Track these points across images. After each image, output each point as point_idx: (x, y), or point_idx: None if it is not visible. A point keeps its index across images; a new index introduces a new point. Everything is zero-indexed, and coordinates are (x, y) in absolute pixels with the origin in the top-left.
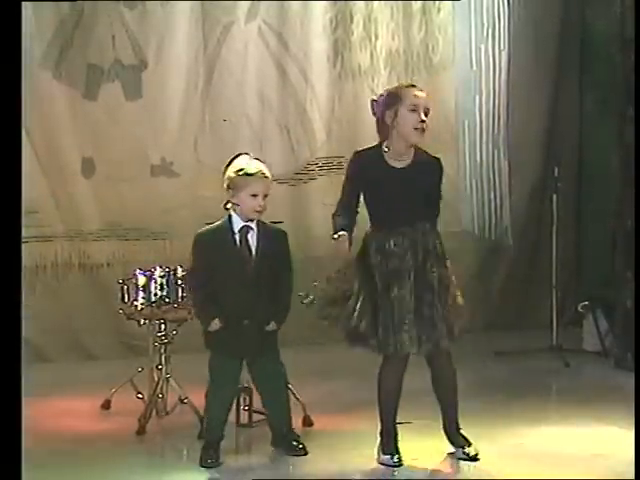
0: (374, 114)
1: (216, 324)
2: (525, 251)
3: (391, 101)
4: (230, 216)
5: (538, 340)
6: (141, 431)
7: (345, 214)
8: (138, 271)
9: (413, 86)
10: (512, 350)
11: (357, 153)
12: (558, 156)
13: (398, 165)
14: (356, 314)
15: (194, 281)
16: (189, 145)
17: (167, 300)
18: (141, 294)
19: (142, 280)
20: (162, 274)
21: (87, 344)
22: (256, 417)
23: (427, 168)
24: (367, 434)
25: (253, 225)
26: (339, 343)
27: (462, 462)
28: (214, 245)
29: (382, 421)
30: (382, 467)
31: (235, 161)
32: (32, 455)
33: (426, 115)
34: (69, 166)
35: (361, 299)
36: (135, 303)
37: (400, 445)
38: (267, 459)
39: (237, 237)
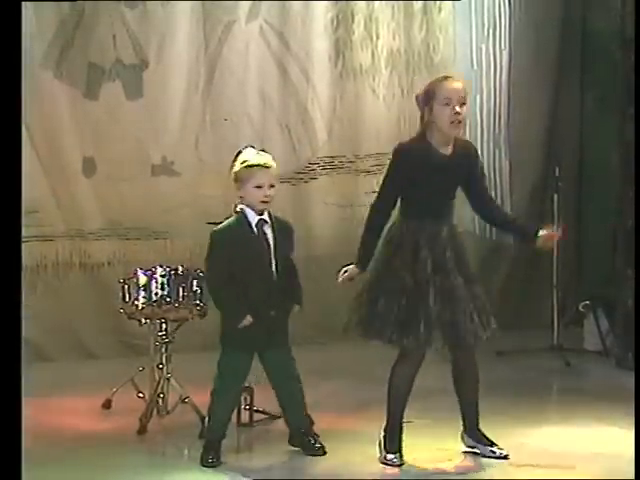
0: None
1: (248, 320)
2: (526, 251)
3: (426, 97)
4: (243, 211)
5: (539, 340)
6: (142, 430)
7: (378, 229)
8: (139, 270)
9: (447, 78)
10: (513, 350)
11: (401, 144)
12: (559, 155)
13: (445, 152)
14: (390, 313)
15: (215, 280)
16: (190, 144)
17: (168, 299)
18: (142, 293)
19: (143, 279)
20: (163, 273)
21: (88, 343)
22: (257, 417)
23: (467, 153)
24: (368, 434)
25: (267, 218)
26: (340, 343)
27: (463, 461)
28: (233, 240)
29: (389, 418)
30: (382, 467)
31: (240, 155)
32: (33, 454)
33: (462, 106)
34: (70, 165)
35: (400, 297)
36: (136, 302)
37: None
38: (268, 459)
39: (255, 230)
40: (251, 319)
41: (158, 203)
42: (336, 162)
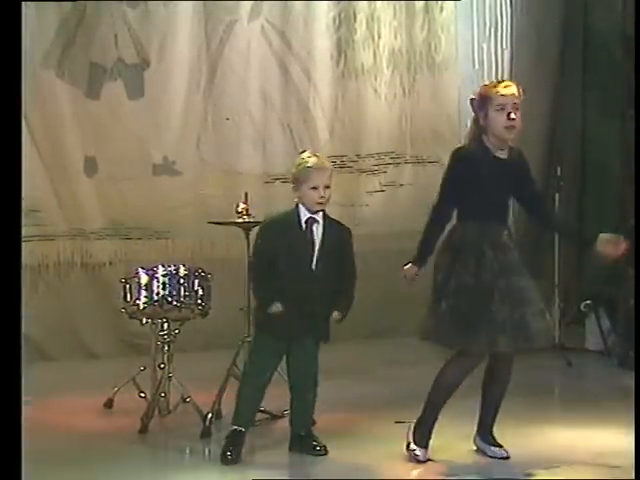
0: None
1: (277, 307)
2: (527, 250)
3: (481, 103)
4: (297, 207)
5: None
6: (143, 430)
7: (437, 232)
8: (140, 270)
9: (500, 82)
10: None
11: (459, 148)
12: (560, 155)
13: (502, 156)
14: (456, 316)
15: (258, 265)
16: (191, 144)
17: (169, 299)
18: (143, 293)
19: (144, 279)
20: (164, 273)
21: (89, 343)
22: (259, 416)
23: (521, 160)
24: (370, 433)
25: (319, 218)
26: (343, 342)
27: (466, 461)
28: (281, 232)
29: (426, 411)
30: (384, 466)
31: (298, 158)
32: (35, 454)
33: (517, 111)
34: (71, 165)
35: (464, 298)
36: (137, 302)
37: (401, 444)
38: (270, 458)
39: (304, 226)
40: (280, 307)
41: (160, 202)
42: (338, 161)
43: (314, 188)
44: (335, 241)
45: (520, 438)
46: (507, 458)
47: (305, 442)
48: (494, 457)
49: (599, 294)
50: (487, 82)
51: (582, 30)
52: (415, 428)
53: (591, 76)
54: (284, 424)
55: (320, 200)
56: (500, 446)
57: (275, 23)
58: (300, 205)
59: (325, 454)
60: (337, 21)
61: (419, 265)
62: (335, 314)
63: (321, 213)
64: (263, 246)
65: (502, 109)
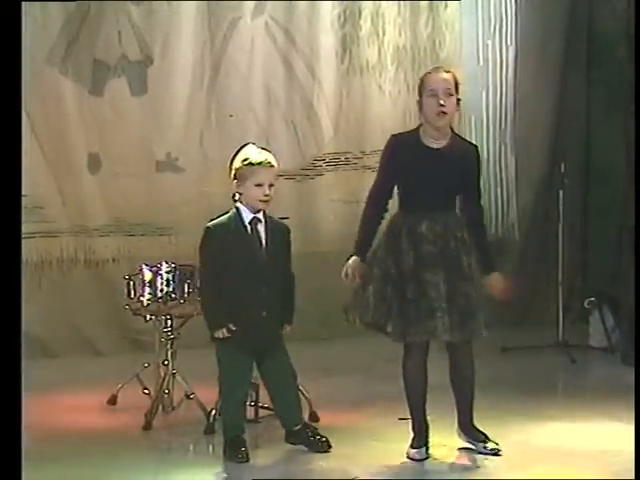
0: None
1: (224, 333)
2: (531, 247)
3: (419, 89)
4: (238, 208)
5: (544, 336)
6: (147, 426)
7: (373, 217)
8: (144, 266)
9: (437, 68)
10: (518, 346)
11: (394, 135)
12: (564, 152)
13: (434, 146)
14: (377, 301)
15: (205, 275)
16: (195, 141)
17: (173, 296)
18: (147, 290)
19: (148, 276)
20: (168, 269)
21: (93, 339)
22: (262, 412)
23: (462, 152)
24: (372, 430)
25: (261, 217)
26: (344, 338)
27: (464, 458)
28: (226, 236)
29: (411, 414)
30: (387, 463)
31: (241, 151)
32: (38, 451)
33: (449, 97)
34: (75, 162)
35: (385, 285)
36: (141, 299)
37: (404, 441)
38: (273, 455)
39: (248, 228)
40: (226, 333)
41: (163, 199)
42: (342, 158)
43: (259, 185)
44: (279, 240)
45: (523, 434)
46: (496, 452)
47: (303, 435)
48: (479, 451)
49: (603, 291)
50: (492, 79)
51: (586, 27)
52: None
53: (596, 72)
54: None
55: (264, 198)
56: (485, 440)
57: (279, 20)
58: (240, 206)
59: (328, 449)
60: (342, 18)
61: (360, 256)
62: (285, 327)
63: (262, 212)
64: (209, 254)
65: (433, 95)
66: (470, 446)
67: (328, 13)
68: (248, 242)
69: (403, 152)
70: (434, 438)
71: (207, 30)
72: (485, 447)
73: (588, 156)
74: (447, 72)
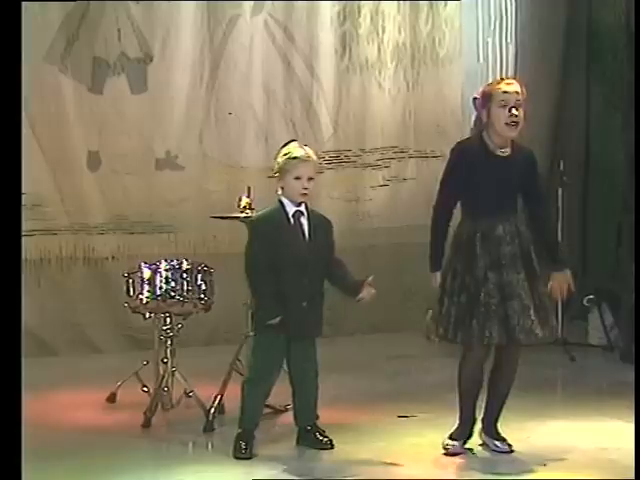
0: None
1: (276, 320)
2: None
3: (484, 100)
4: (281, 201)
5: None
6: (146, 424)
7: (445, 228)
8: (143, 264)
9: (503, 79)
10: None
11: (460, 143)
12: (564, 150)
13: (502, 154)
14: (459, 313)
15: (254, 267)
16: (194, 138)
17: (172, 293)
18: (146, 287)
19: (147, 273)
20: (167, 267)
21: (92, 337)
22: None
23: (523, 157)
24: (374, 428)
25: (304, 210)
26: (346, 337)
27: (468, 456)
28: (272, 228)
29: (460, 414)
30: (387, 461)
31: (284, 148)
32: (37, 448)
33: (519, 108)
34: (75, 159)
35: (460, 291)
36: (140, 296)
37: (404, 439)
38: (274, 452)
39: (292, 220)
40: (278, 320)
41: (162, 197)
42: (342, 156)
43: (297, 178)
44: (321, 232)
45: (523, 432)
46: (510, 452)
47: (311, 436)
48: (496, 451)
49: (602, 289)
50: (491, 77)
51: (586, 24)
52: (457, 428)
53: (596, 70)
54: (287, 419)
55: (304, 191)
56: (503, 440)
57: (278, 18)
58: (283, 199)
59: (331, 448)
60: (341, 15)
61: (436, 269)
62: (360, 295)
63: (304, 205)
64: (257, 246)
65: (504, 106)
66: (488, 445)
67: (327, 11)
68: (291, 234)
69: (473, 160)
70: (438, 437)
71: (206, 28)
72: (497, 445)
73: (587, 154)
74: (514, 83)
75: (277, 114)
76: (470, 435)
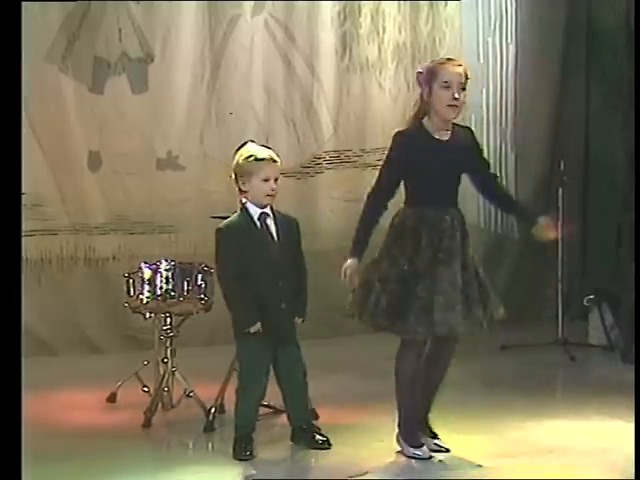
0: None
1: (257, 327)
2: (531, 245)
3: (427, 77)
4: (245, 206)
5: (544, 334)
6: (147, 424)
7: (375, 217)
8: (144, 264)
9: (449, 60)
10: (518, 344)
11: (400, 132)
12: (564, 149)
13: (443, 138)
14: (393, 300)
15: (225, 276)
16: (195, 138)
17: (173, 293)
18: (147, 287)
19: (148, 273)
20: (168, 267)
21: (92, 337)
22: (262, 411)
23: (463, 138)
24: (371, 428)
25: (269, 212)
26: (344, 337)
27: (455, 456)
28: (239, 234)
29: (402, 411)
30: (387, 461)
31: (242, 149)
32: (37, 448)
33: (462, 91)
34: (75, 159)
35: (400, 283)
36: (141, 296)
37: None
38: (273, 453)
39: (258, 224)
40: (260, 327)
41: (163, 197)
42: (342, 156)
43: (266, 180)
44: (288, 233)
45: (522, 432)
46: (447, 451)
47: (307, 435)
48: (434, 450)
49: (602, 289)
50: (492, 76)
51: (586, 23)
52: (401, 432)
53: (596, 70)
54: (286, 418)
55: (271, 192)
56: (435, 437)
57: (279, 17)
58: (247, 203)
59: (328, 447)
60: (342, 15)
61: (358, 257)
62: (297, 319)
63: (269, 207)
64: (225, 254)
65: (448, 87)
66: (429, 445)
67: (328, 10)
68: (259, 237)
69: (414, 147)
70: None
71: (207, 28)
72: (437, 444)
73: (588, 154)
74: (460, 65)
75: (278, 114)
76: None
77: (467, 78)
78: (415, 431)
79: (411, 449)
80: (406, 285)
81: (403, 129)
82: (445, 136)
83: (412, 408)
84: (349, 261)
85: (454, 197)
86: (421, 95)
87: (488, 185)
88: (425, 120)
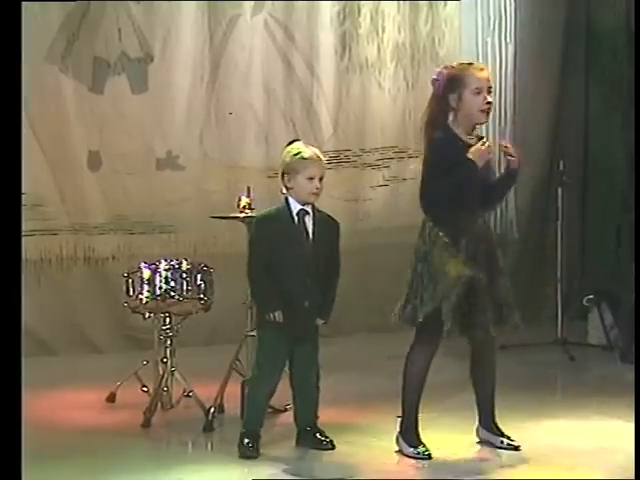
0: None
1: (278, 315)
2: (530, 245)
3: (454, 84)
4: (287, 200)
5: (543, 334)
6: (146, 424)
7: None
8: (143, 264)
9: (471, 65)
10: (517, 343)
11: (435, 132)
12: (564, 149)
13: (470, 141)
14: (425, 298)
15: (255, 265)
16: (195, 138)
17: (172, 293)
18: (146, 287)
19: (147, 273)
20: (167, 267)
21: (92, 337)
22: None
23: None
24: (373, 427)
25: (309, 209)
26: (345, 336)
27: (469, 455)
28: (274, 227)
29: (405, 410)
30: (387, 461)
31: (290, 146)
32: (37, 448)
33: (489, 93)
34: (75, 159)
35: (432, 283)
36: (140, 296)
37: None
38: (274, 453)
39: (296, 219)
40: (281, 316)
41: (163, 197)
42: (342, 156)
43: (311, 179)
44: (326, 233)
45: (522, 432)
46: (517, 448)
47: (311, 436)
48: (502, 448)
49: (602, 289)
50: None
51: (586, 24)
52: (402, 432)
53: (595, 70)
54: (286, 418)
55: (315, 191)
56: (503, 435)
57: (278, 17)
58: (289, 198)
59: (332, 448)
60: (341, 15)
61: None
62: (318, 320)
63: (310, 205)
64: (259, 244)
65: (479, 93)
66: (491, 442)
67: (327, 11)
68: (295, 233)
69: (453, 151)
70: (439, 435)
71: (207, 28)
72: (502, 441)
73: (587, 154)
74: (484, 69)
75: (277, 114)
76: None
77: (491, 86)
78: (416, 431)
79: (410, 449)
80: (437, 287)
81: (437, 131)
82: (471, 139)
83: (415, 408)
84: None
85: (482, 200)
86: (443, 102)
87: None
88: (452, 123)
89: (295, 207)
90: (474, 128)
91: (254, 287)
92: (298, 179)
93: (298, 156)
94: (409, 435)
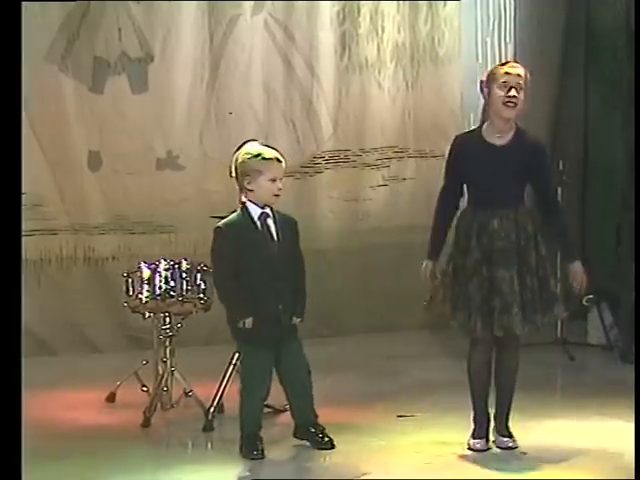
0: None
1: (248, 322)
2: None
3: (487, 82)
4: (244, 205)
5: (543, 333)
6: (146, 424)
7: (444, 219)
8: (143, 264)
9: (507, 62)
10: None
11: (456, 136)
12: (563, 149)
13: (497, 142)
14: (452, 293)
15: (221, 274)
16: (195, 138)
17: (172, 293)
18: (146, 287)
19: (147, 273)
20: (167, 267)
21: (92, 337)
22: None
23: (527, 147)
24: (373, 427)
25: (269, 212)
26: (344, 336)
27: (466, 455)
28: (237, 234)
29: (474, 406)
30: (387, 461)
31: (246, 147)
32: (37, 448)
33: (519, 90)
34: (75, 159)
35: (457, 282)
36: (140, 296)
37: (404, 438)
38: (274, 453)
39: (258, 223)
40: (251, 323)
41: (163, 197)
42: (341, 156)
43: (273, 180)
44: (288, 233)
45: (522, 432)
46: (514, 448)
47: (311, 435)
48: (501, 447)
49: (602, 289)
50: None
51: (585, 23)
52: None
53: (595, 70)
54: (287, 419)
55: (277, 192)
56: (510, 436)
57: (278, 17)
58: (247, 202)
59: (332, 448)
60: (341, 15)
61: (433, 258)
62: (294, 319)
63: (268, 207)
64: (223, 253)
65: (505, 86)
66: (496, 441)
67: (327, 10)
68: (259, 237)
69: (466, 152)
70: (438, 436)
71: (207, 28)
72: (503, 441)
73: (587, 153)
74: (516, 67)
75: (277, 114)
76: (488, 431)
77: (527, 80)
78: (483, 424)
79: (472, 440)
80: (461, 284)
81: (460, 133)
82: (502, 140)
83: (480, 403)
84: (424, 263)
85: (512, 200)
86: (485, 103)
87: (541, 203)
88: (485, 125)
89: (255, 211)
90: (505, 125)
91: (223, 296)
92: (260, 181)
93: (259, 157)
94: (477, 428)
